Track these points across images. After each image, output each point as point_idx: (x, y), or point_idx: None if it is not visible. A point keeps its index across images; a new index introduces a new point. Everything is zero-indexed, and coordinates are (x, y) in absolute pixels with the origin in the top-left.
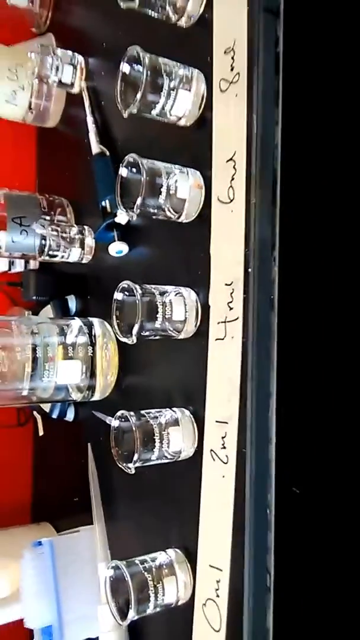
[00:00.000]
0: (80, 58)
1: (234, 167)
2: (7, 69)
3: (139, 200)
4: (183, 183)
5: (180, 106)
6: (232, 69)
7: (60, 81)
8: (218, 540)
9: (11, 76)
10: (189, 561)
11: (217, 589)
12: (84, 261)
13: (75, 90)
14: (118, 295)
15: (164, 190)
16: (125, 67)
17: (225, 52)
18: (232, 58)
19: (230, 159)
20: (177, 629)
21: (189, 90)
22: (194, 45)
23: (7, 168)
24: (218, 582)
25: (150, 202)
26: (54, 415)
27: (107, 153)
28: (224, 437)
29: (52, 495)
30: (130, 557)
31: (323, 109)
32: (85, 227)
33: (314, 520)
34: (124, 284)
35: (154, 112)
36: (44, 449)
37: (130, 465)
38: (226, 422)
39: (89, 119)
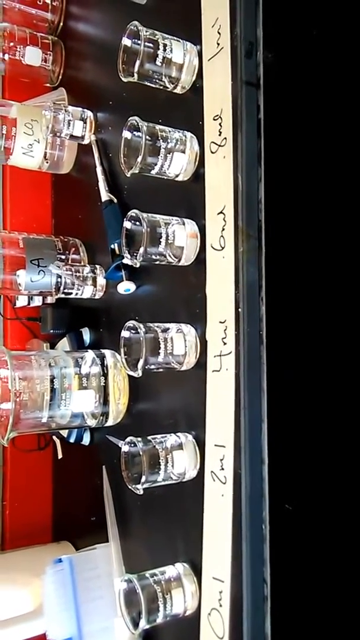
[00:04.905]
0: (89, 113)
1: (224, 219)
2: (23, 125)
3: (141, 250)
4: (180, 233)
5: (176, 166)
6: (220, 134)
7: (71, 135)
8: (219, 554)
9: (27, 131)
10: (195, 574)
11: (219, 599)
12: (96, 297)
13: (85, 142)
14: (125, 333)
15: (163, 239)
16: (126, 134)
17: (214, 119)
18: (220, 124)
19: (221, 212)
20: (187, 638)
21: (184, 152)
22: (188, 109)
23: (25, 211)
24: (220, 592)
25: (152, 250)
26: (72, 440)
27: (115, 200)
28: (222, 459)
29: (71, 515)
30: (142, 571)
31: (301, 167)
32: (97, 266)
33: (306, 534)
34: (130, 323)
35: (154, 172)
36: (62, 471)
37: (139, 486)
38: (223, 446)
39: (99, 169)
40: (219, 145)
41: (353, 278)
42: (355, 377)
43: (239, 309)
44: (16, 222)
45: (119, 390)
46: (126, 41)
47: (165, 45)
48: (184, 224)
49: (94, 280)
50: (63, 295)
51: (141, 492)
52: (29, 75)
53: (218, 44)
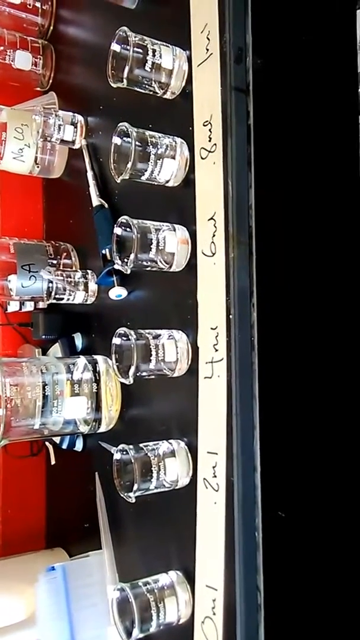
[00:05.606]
0: (80, 117)
1: (214, 225)
2: (14, 130)
3: (132, 256)
4: (171, 239)
5: (166, 172)
6: (210, 140)
7: (62, 139)
8: (212, 561)
9: (18, 136)
10: (188, 582)
11: (213, 608)
12: (88, 302)
13: (76, 146)
14: (116, 340)
15: (154, 245)
16: (116, 140)
17: (203, 125)
18: (210, 130)
19: (211, 218)
20: None
21: (174, 158)
22: (178, 115)
23: (16, 216)
24: (214, 601)
25: (143, 257)
26: (64, 446)
27: (106, 205)
28: (215, 466)
29: (64, 522)
30: (135, 579)
31: (291, 173)
32: (89, 271)
33: (299, 541)
34: (121, 330)
35: (144, 177)
36: (55, 477)
37: (131, 494)
38: (216, 453)
39: (89, 174)
40: (209, 151)
41: (345, 283)
42: (348, 382)
43: (230, 315)
44: (7, 227)
45: (111, 396)
46: (115, 47)
47: (154, 51)
48: (174, 230)
49: (86, 285)
50: (55, 301)
51: (133, 501)
52: (19, 79)
53: (207, 49)
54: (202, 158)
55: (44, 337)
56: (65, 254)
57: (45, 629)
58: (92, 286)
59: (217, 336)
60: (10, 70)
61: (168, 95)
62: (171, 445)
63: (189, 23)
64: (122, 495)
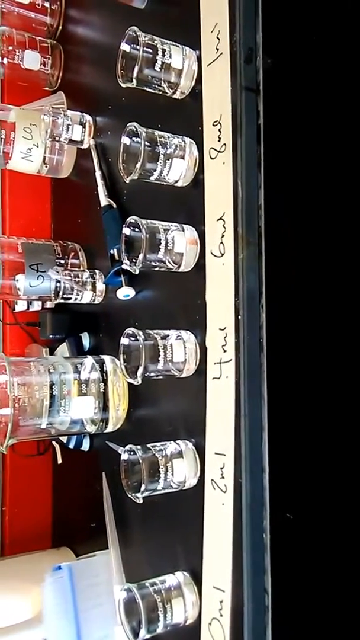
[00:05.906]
0: (88, 117)
1: (223, 226)
2: (22, 129)
3: (140, 256)
4: (180, 239)
5: (175, 172)
6: (219, 140)
7: (70, 139)
8: (220, 563)
9: (26, 136)
10: (196, 583)
11: (220, 609)
12: (95, 302)
13: (84, 146)
14: (124, 341)
15: (162, 246)
16: (125, 140)
17: (213, 125)
18: (219, 130)
19: (220, 218)
20: None
21: (183, 158)
22: (187, 115)
23: (24, 216)
24: (221, 602)
25: (151, 257)
26: (71, 445)
27: (115, 205)
28: (223, 467)
29: (71, 521)
30: (142, 580)
31: (301, 173)
32: (96, 271)
33: (307, 543)
34: (129, 330)
35: (153, 177)
36: (62, 476)
37: (139, 495)
38: (224, 454)
39: (98, 174)
40: (219, 151)
41: (353, 284)
42: (356, 384)
43: (239, 316)
44: (15, 227)
45: (119, 396)
46: (125, 47)
47: (164, 51)
48: (183, 230)
49: (93, 285)
50: (62, 300)
51: (141, 501)
52: (28, 79)
53: (217, 49)
54: (211, 158)
55: (51, 336)
56: (73, 253)
57: (51, 628)
58: (100, 286)
59: (225, 337)
60: (19, 70)
61: (177, 95)
62: (179, 445)
63: (198, 23)
64: (129, 495)
